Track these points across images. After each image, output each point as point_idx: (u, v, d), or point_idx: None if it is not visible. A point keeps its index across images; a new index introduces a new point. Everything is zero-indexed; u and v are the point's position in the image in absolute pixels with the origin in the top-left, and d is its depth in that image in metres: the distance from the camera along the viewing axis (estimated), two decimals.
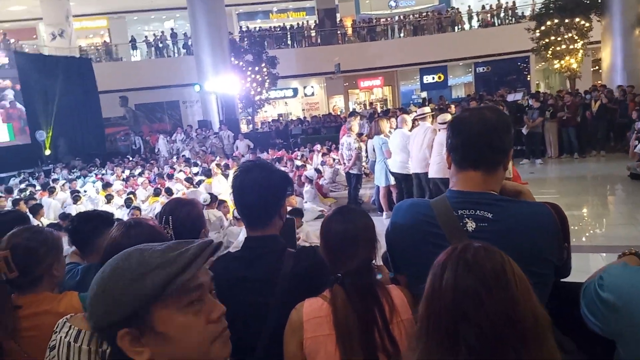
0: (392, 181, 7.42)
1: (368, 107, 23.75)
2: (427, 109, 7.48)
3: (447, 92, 24.96)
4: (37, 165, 15.62)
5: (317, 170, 10.44)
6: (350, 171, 8.11)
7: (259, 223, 1.65)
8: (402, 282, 1.60)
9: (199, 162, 12.91)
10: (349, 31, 24.93)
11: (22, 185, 11.83)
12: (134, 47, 24.85)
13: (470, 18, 24.47)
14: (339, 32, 24.32)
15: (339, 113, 23.03)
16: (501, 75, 23.69)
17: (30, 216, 7.42)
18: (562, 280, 1.48)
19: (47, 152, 16.84)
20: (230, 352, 1.69)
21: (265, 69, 17.97)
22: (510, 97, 14.01)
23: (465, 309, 0.86)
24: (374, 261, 1.57)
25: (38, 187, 11.08)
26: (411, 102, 22.83)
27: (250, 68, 17.57)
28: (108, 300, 0.78)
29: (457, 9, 25.30)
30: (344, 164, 8.29)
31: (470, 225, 1.37)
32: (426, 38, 23.22)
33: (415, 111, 8.05)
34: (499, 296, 0.86)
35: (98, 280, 0.81)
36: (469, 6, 25.56)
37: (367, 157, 8.64)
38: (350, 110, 23.06)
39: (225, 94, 17.04)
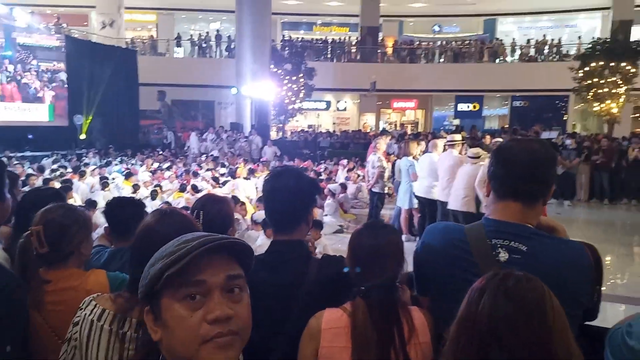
0: (415, 204, 7.37)
1: (399, 128, 23.72)
2: (457, 137, 7.40)
3: (481, 122, 24.74)
4: (71, 148, 16.07)
5: (342, 185, 10.44)
6: (373, 189, 8.10)
7: (286, 228, 1.67)
8: (424, 304, 1.58)
9: (226, 163, 13.07)
10: (389, 51, 25.05)
11: (55, 166, 12.16)
12: (178, 45, 25.47)
13: (513, 51, 24.29)
14: (379, 50, 24.47)
15: (368, 130, 23.04)
16: (538, 112, 23.39)
17: None
18: (586, 322, 1.45)
19: (83, 136, 17.32)
20: (250, 355, 1.71)
21: (302, 80, 18.16)
22: (545, 135, 13.78)
23: (500, 335, 0.86)
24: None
25: (69, 169, 11.37)
26: (442, 127, 22.68)
27: (287, 77, 17.80)
28: (145, 273, 0.85)
29: (501, 40, 25.14)
30: (368, 181, 8.28)
31: (503, 255, 1.35)
32: (466, 66, 23.15)
33: (446, 137, 7.97)
34: (536, 326, 0.87)
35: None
36: (514, 39, 25.38)
37: (392, 177, 8.61)
38: (381, 129, 23.10)
39: (260, 100, 17.27)
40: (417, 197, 7.22)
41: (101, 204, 8.41)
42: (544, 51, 23.69)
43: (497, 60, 23.95)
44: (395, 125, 25.39)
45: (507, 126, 19.78)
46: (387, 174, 8.13)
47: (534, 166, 1.38)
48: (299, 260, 1.64)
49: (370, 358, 1.43)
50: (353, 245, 1.54)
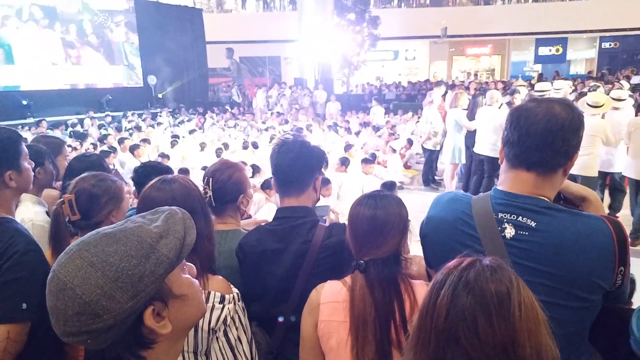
0: (462, 159, 6.94)
1: (472, 76, 22.38)
2: (546, 86, 6.74)
3: (565, 66, 22.71)
4: (147, 108, 16.93)
5: (409, 141, 10.16)
6: (424, 145, 7.77)
7: (292, 193, 1.68)
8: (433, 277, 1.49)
9: (289, 119, 13.15)
10: None
11: (130, 126, 12.91)
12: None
13: None
14: None
15: (438, 80, 21.95)
16: (630, 53, 20.94)
17: (131, 156, 8.11)
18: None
19: (160, 96, 18.14)
20: (259, 322, 1.74)
21: (366, 29, 17.51)
22: (636, 80, 12.39)
23: (458, 333, 0.78)
24: (403, 254, 1.48)
25: (144, 129, 12.02)
26: (520, 75, 21.08)
27: (351, 27, 17.23)
28: (127, 287, 0.75)
29: None
30: (420, 136, 7.96)
31: (509, 231, 1.22)
32: (547, 5, 21.01)
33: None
34: (498, 325, 0.77)
35: (98, 275, 0.75)
36: None
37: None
38: (453, 78, 21.91)
39: (323, 53, 16.97)
40: (475, 154, 6.68)
41: (172, 161, 8.86)
42: None
43: None
44: (468, 74, 23.94)
45: (593, 70, 17.97)
46: (440, 129, 7.68)
47: (551, 132, 1.21)
48: (303, 227, 1.63)
49: (368, 332, 1.39)
50: (352, 216, 1.47)
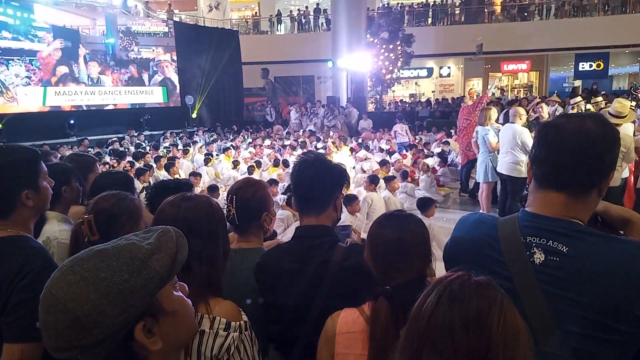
0: (494, 178, 6.69)
1: (509, 93, 21.91)
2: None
3: (607, 82, 21.94)
4: (184, 127, 17.38)
5: (443, 158, 9.99)
6: (457, 160, 7.63)
7: (311, 212, 1.65)
8: None
9: (321, 137, 13.20)
10: (498, 9, 23.05)
11: (167, 144, 13.26)
12: (279, 21, 25.96)
13: None
14: (485, 10, 22.62)
15: (475, 97, 21.59)
16: None
17: (167, 174, 8.30)
18: None
19: (194, 115, 18.62)
20: (278, 344, 1.69)
21: (399, 47, 17.49)
22: None
23: (435, 339, 0.80)
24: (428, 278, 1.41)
25: (180, 147, 12.33)
26: (555, 92, 20.49)
27: (384, 46, 17.26)
28: (118, 301, 0.76)
29: None
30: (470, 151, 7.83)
31: (539, 257, 1.13)
32: (587, 20, 20.45)
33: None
34: (474, 340, 0.77)
35: (89, 289, 0.75)
36: None
37: None
38: (490, 94, 21.49)
39: (355, 72, 17.04)
40: (498, 173, 6.44)
41: (204, 178, 9.02)
42: None
43: (626, 11, 20.77)
44: (503, 90, 23.46)
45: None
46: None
47: (583, 150, 1.12)
48: (322, 247, 1.58)
49: None
50: (373, 239, 1.40)
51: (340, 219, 1.72)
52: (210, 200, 1.51)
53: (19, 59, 13.64)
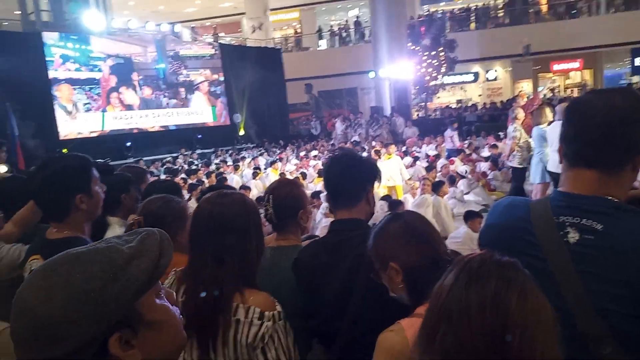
0: (548, 179, 6.49)
1: (562, 93, 21.05)
2: None
3: None
4: (233, 144, 17.90)
5: (494, 162, 9.75)
6: (510, 163, 7.42)
7: (343, 203, 1.68)
8: None
9: (365, 147, 13.20)
10: (544, 8, 22.33)
11: (217, 161, 13.70)
12: (320, 37, 26.34)
13: None
14: (531, 10, 21.97)
15: (526, 99, 20.89)
16: None
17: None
18: None
19: (241, 132, 19.14)
20: (319, 338, 1.72)
21: (442, 54, 17.29)
22: None
23: (451, 311, 0.79)
24: None
25: (229, 163, 12.72)
26: None
27: (427, 53, 17.12)
28: (91, 310, 0.69)
29: None
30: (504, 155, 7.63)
31: (573, 236, 1.11)
32: None
33: None
34: (490, 316, 0.76)
35: (60, 296, 0.69)
36: None
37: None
38: (541, 95, 20.77)
39: (398, 80, 16.98)
40: (549, 172, 6.30)
41: (253, 192, 9.24)
42: None
43: None
44: (553, 90, 22.59)
45: None
46: (525, 144, 7.24)
47: (613, 125, 1.10)
48: (356, 240, 1.59)
49: None
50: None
51: (374, 213, 1.74)
52: (244, 198, 1.58)
53: (80, 88, 14.63)
